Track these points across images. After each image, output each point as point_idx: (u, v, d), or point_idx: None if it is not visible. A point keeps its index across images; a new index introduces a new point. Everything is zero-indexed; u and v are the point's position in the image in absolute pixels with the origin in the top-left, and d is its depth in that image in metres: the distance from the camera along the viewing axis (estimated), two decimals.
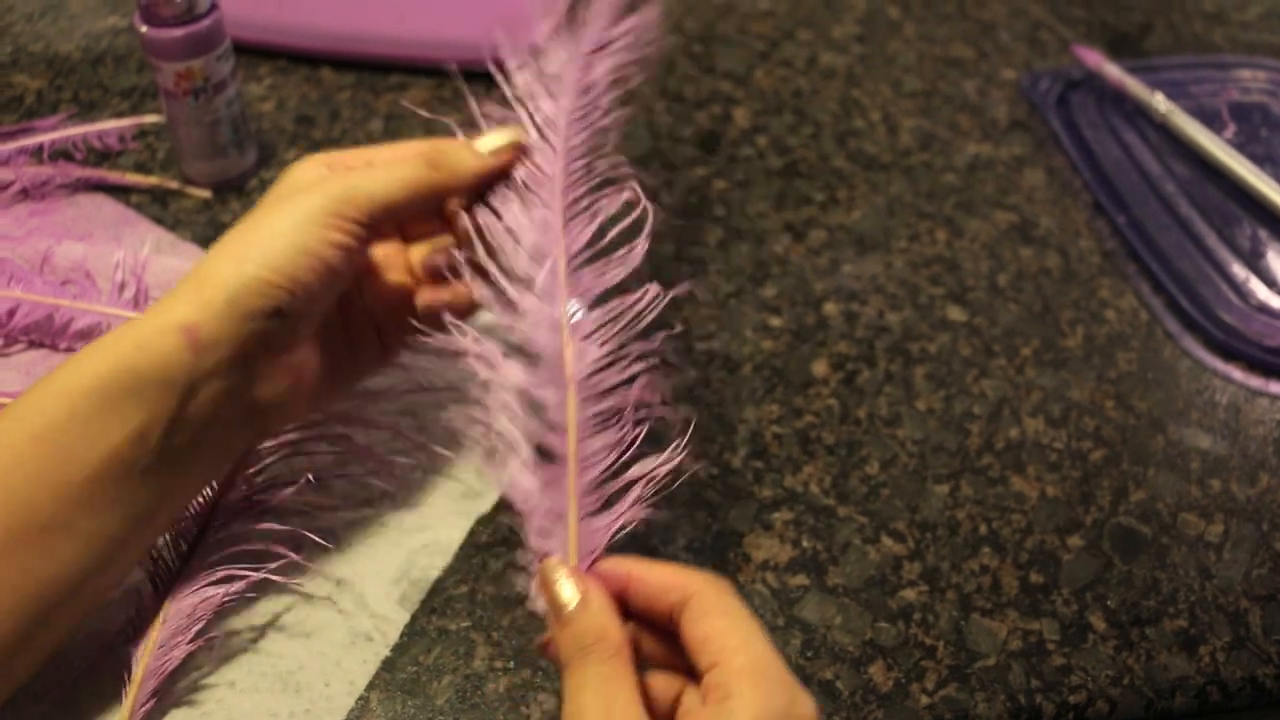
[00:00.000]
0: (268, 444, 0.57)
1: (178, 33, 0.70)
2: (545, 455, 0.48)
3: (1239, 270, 0.75)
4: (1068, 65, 0.96)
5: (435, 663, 0.53)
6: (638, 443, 0.48)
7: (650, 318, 0.50)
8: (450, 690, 0.52)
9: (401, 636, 0.54)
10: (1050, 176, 0.85)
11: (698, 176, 0.82)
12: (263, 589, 0.54)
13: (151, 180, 0.78)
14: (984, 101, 0.92)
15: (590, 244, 0.53)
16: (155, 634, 0.50)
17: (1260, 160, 0.82)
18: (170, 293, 0.48)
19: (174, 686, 0.51)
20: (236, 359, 0.47)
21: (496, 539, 0.58)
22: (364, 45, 0.89)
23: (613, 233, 0.53)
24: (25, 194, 0.75)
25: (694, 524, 0.59)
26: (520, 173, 0.55)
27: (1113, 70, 0.90)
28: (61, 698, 0.50)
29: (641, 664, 0.43)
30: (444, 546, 0.57)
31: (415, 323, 0.55)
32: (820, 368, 0.69)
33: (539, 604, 0.44)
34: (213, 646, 0.52)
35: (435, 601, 0.55)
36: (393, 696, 0.52)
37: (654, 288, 0.51)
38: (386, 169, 0.51)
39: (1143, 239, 0.78)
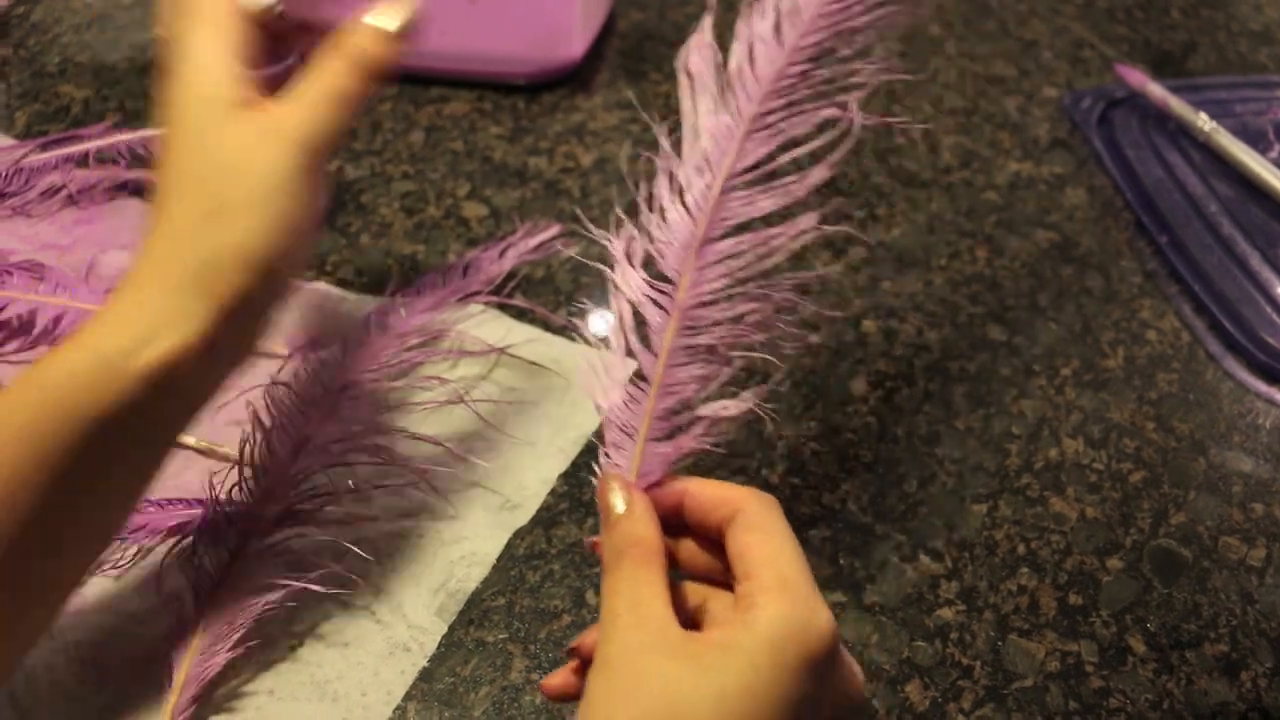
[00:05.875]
0: (308, 458, 0.57)
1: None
2: (636, 373, 0.49)
3: None
4: (1110, 84, 0.96)
5: (473, 674, 0.53)
6: (720, 381, 0.48)
7: (782, 256, 0.49)
8: (487, 702, 0.52)
9: (439, 647, 0.54)
10: (1092, 196, 0.85)
11: None
12: (302, 598, 0.55)
13: None
14: (1025, 120, 0.92)
15: (760, 163, 0.50)
16: (196, 641, 0.51)
17: None
18: (177, 296, 0.45)
19: (213, 693, 0.51)
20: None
21: (534, 551, 0.58)
22: (406, 58, 0.90)
23: (790, 154, 0.50)
24: (71, 200, 0.76)
25: None
26: (732, 65, 0.51)
27: (1156, 89, 0.89)
28: (103, 703, 0.50)
29: (683, 574, 0.47)
30: (482, 558, 0.58)
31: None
32: (859, 385, 0.68)
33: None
34: (252, 655, 0.52)
35: (473, 613, 0.56)
36: (430, 707, 0.52)
37: (807, 219, 0.49)
38: (317, 103, 0.48)
39: (1185, 259, 0.77)
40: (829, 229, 0.48)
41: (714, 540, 0.46)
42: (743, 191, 0.50)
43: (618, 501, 0.46)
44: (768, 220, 0.50)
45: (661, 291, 0.49)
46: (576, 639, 0.46)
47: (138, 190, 0.78)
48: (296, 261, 0.48)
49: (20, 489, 0.42)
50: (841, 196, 0.83)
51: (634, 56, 0.96)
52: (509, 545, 0.58)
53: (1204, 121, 0.86)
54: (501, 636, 0.55)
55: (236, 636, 0.51)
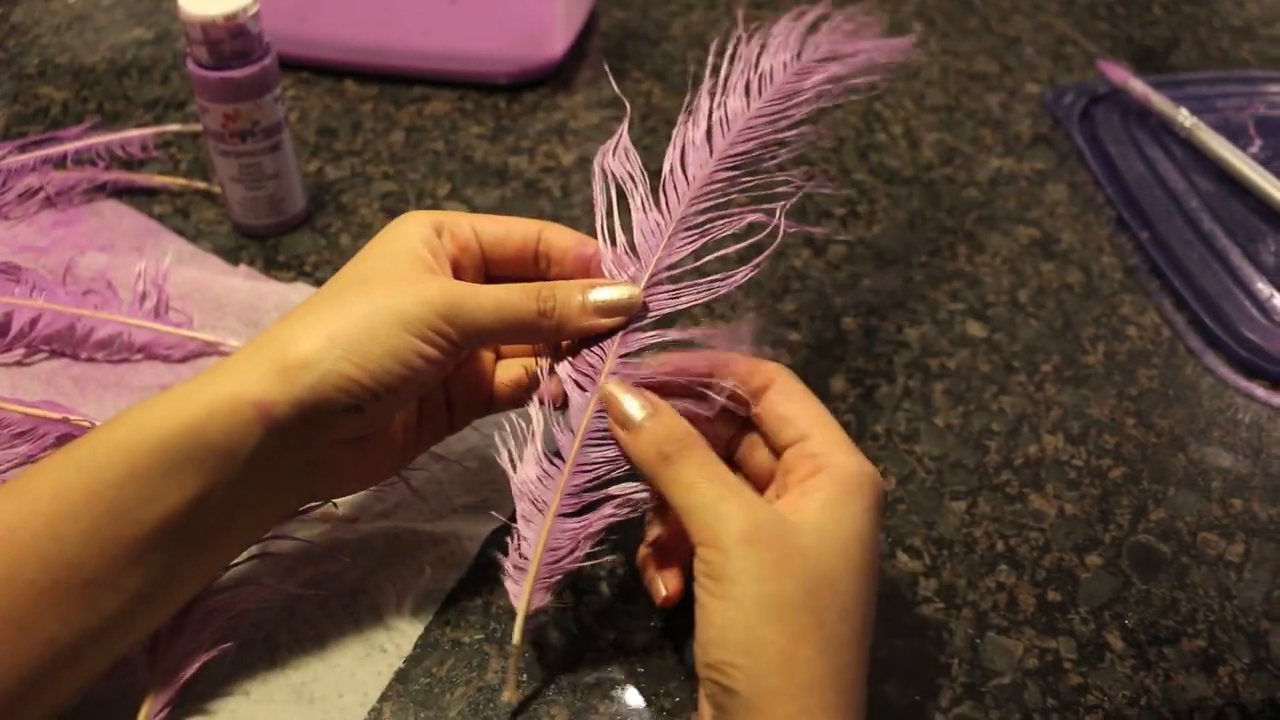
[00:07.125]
0: None
1: (229, 75, 0.68)
2: (551, 448, 0.51)
3: (1263, 287, 0.74)
4: (1092, 80, 0.96)
5: (448, 675, 0.53)
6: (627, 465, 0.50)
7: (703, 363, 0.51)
8: (463, 702, 0.52)
9: (415, 648, 0.54)
10: (1073, 192, 0.85)
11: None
12: (278, 599, 0.55)
13: (180, 181, 0.78)
14: (1007, 116, 0.92)
15: (685, 260, 0.53)
16: (171, 643, 0.50)
17: None
18: (247, 357, 0.47)
19: (188, 695, 0.51)
20: (304, 442, 0.47)
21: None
22: (387, 58, 0.90)
23: (711, 256, 0.53)
24: (49, 202, 0.76)
25: None
26: (666, 166, 0.55)
27: (1138, 85, 0.90)
28: (77, 705, 0.50)
29: None
30: (459, 559, 0.57)
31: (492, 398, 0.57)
32: (838, 383, 0.68)
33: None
34: (227, 656, 0.52)
35: (449, 614, 0.55)
36: (405, 708, 0.52)
37: (735, 334, 0.52)
38: (495, 298, 0.49)
39: (1166, 255, 0.78)
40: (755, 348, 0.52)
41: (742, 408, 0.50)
42: (668, 286, 0.53)
43: (635, 407, 0.48)
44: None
45: (584, 374, 0.52)
46: (651, 536, 0.51)
47: (116, 192, 0.78)
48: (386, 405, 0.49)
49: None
50: (823, 193, 0.83)
51: (616, 55, 0.96)
52: (485, 546, 0.58)
53: (1185, 117, 0.86)
54: (478, 637, 0.55)
55: (212, 638, 0.51)
